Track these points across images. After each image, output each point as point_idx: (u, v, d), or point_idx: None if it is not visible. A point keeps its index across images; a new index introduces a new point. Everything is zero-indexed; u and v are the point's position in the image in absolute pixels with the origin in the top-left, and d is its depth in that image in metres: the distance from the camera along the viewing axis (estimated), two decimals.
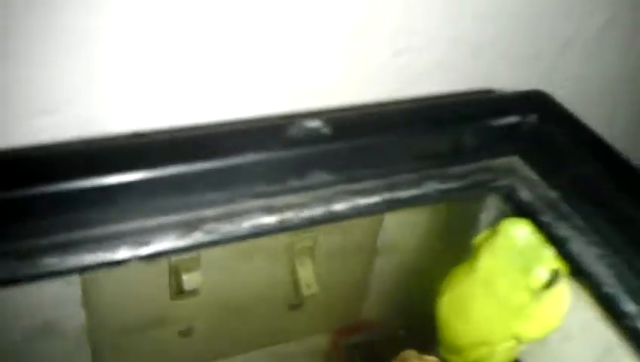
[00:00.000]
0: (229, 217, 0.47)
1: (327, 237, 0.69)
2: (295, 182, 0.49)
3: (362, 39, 0.65)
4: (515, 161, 0.56)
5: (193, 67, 0.57)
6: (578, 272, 0.50)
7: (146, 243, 0.45)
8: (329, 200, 0.50)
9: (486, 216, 0.61)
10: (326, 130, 0.49)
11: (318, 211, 0.49)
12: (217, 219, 0.46)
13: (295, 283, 0.70)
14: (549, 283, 0.53)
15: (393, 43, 0.68)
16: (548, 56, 0.80)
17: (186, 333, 0.69)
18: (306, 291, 0.70)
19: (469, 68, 0.75)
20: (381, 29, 0.66)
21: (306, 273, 0.70)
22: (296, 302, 0.74)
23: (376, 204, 0.51)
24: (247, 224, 0.47)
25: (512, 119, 0.54)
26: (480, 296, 0.57)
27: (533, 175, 0.55)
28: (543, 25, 0.77)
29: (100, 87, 0.53)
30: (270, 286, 0.70)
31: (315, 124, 0.49)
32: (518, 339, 0.57)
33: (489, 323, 0.57)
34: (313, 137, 0.49)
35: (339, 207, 0.50)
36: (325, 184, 0.50)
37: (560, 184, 0.53)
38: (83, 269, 0.43)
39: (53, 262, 0.42)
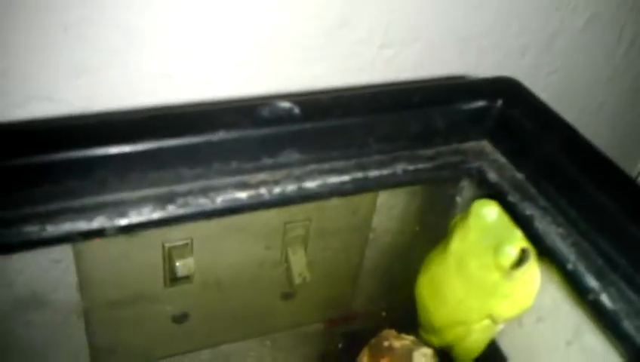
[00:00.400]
0: (203, 192, 0.49)
1: (320, 225, 0.71)
2: (267, 161, 0.51)
3: (348, 32, 0.67)
4: (484, 144, 0.58)
5: (173, 48, 0.59)
6: (543, 251, 0.52)
7: (124, 215, 0.47)
8: (300, 178, 0.52)
9: (464, 198, 0.62)
10: (297, 111, 0.51)
11: (289, 188, 0.51)
12: (192, 193, 0.49)
13: (287, 272, 0.72)
14: (519, 262, 0.54)
15: (380, 36, 0.70)
16: (534, 50, 0.82)
17: (179, 320, 0.71)
18: (298, 279, 0.71)
19: (455, 61, 0.77)
20: (367, 22, 0.68)
21: (299, 261, 0.71)
22: (288, 291, 0.75)
23: (346, 183, 0.52)
24: (220, 199, 0.49)
25: (481, 103, 0.56)
26: (453, 276, 0.58)
27: (501, 158, 0.56)
28: (528, 19, 0.78)
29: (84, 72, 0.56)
30: (263, 275, 0.72)
31: (286, 105, 0.51)
32: (493, 319, 0.58)
33: (463, 303, 0.58)
34: (284, 118, 0.51)
35: (310, 184, 0.51)
36: (297, 163, 0.52)
37: (527, 166, 0.55)
38: (62, 238, 0.45)
39: (32, 230, 0.44)
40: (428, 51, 0.75)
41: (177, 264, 0.64)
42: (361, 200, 0.70)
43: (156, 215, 0.47)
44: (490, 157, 0.56)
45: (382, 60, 0.72)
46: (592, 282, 0.47)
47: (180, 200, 0.48)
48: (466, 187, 0.62)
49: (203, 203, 0.48)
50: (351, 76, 0.72)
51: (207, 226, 0.64)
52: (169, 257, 0.65)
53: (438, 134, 0.56)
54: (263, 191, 0.50)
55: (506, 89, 0.57)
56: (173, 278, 0.66)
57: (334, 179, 0.52)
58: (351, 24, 0.67)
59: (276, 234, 0.69)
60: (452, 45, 0.76)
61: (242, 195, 0.49)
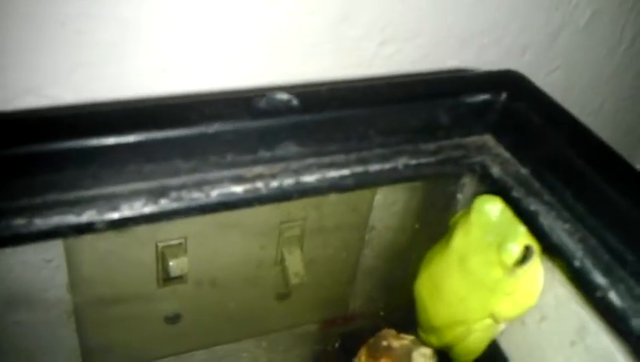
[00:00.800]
0: (197, 185, 0.47)
1: (316, 224, 0.69)
2: (264, 154, 0.49)
3: (347, 28, 0.66)
4: (487, 138, 0.56)
5: (170, 42, 0.58)
6: (549, 247, 0.50)
7: (114, 209, 0.45)
8: (298, 171, 0.50)
9: (465, 194, 0.61)
10: (295, 103, 0.50)
11: (287, 182, 0.49)
12: (186, 187, 0.47)
13: (283, 272, 0.70)
14: (522, 260, 0.53)
15: (379, 33, 0.69)
16: (534, 48, 0.81)
17: (172, 320, 0.69)
18: (294, 279, 0.70)
19: (455, 59, 0.76)
20: (367, 18, 0.67)
21: (294, 262, 0.70)
22: (284, 291, 0.73)
23: (346, 177, 0.51)
24: (215, 193, 0.47)
25: (484, 97, 0.54)
26: (455, 274, 0.57)
27: (505, 152, 0.55)
28: (529, 17, 0.77)
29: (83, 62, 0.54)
30: (258, 275, 0.71)
31: (284, 96, 0.50)
32: (494, 318, 0.57)
33: (464, 302, 0.57)
34: (282, 109, 0.49)
35: (308, 178, 0.50)
36: (295, 156, 0.50)
37: (531, 161, 0.53)
38: (50, 232, 0.43)
39: (20, 223, 0.42)
40: (428, 48, 0.73)
41: (171, 263, 0.63)
42: (359, 197, 0.69)
43: (148, 209, 0.45)
44: (493, 151, 0.55)
45: (381, 57, 0.71)
46: (599, 279, 0.45)
47: (174, 194, 0.46)
48: (468, 183, 0.60)
49: (197, 197, 0.47)
50: (350, 72, 0.71)
51: (202, 225, 0.63)
52: (162, 257, 0.63)
53: (440, 128, 0.54)
54: (259, 185, 0.48)
55: (510, 82, 0.56)
56: (166, 278, 0.65)
57: (334, 173, 0.51)
58: (351, 19, 0.66)
59: (272, 233, 0.68)
60: (452, 43, 0.75)
61: (238, 189, 0.48)
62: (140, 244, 0.62)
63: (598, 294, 0.45)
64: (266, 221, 0.67)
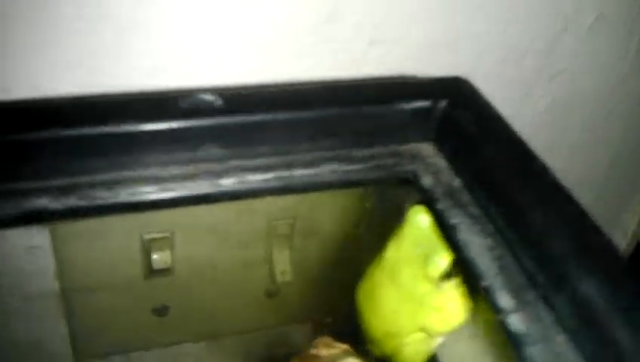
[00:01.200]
0: (107, 185, 0.47)
1: (305, 225, 0.69)
2: (183, 155, 0.49)
3: (335, 28, 0.65)
4: (426, 147, 0.54)
5: (163, 42, 0.58)
6: (462, 262, 0.48)
7: (19, 206, 0.46)
8: (218, 174, 0.50)
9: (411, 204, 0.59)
10: (220, 104, 0.49)
11: (203, 185, 0.49)
12: (95, 185, 0.47)
13: (271, 271, 0.71)
14: (449, 274, 0.51)
15: (368, 34, 0.67)
16: (535, 52, 0.78)
17: (160, 312, 0.70)
18: (280, 278, 0.70)
19: (450, 63, 0.73)
20: (356, 19, 0.65)
21: (282, 260, 0.70)
22: (271, 289, 0.74)
23: (268, 181, 0.50)
24: (124, 192, 0.47)
25: (423, 104, 0.53)
26: (387, 286, 0.55)
27: (442, 161, 0.53)
28: (530, 19, 0.74)
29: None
30: (245, 273, 0.71)
31: (209, 97, 0.49)
32: (426, 332, 0.55)
33: (395, 314, 0.55)
34: (206, 110, 0.49)
35: (227, 182, 0.49)
36: (217, 158, 0.50)
37: (466, 172, 0.51)
38: None
39: None
40: (421, 51, 0.71)
41: (154, 256, 0.63)
42: (354, 200, 0.68)
43: (53, 206, 0.45)
44: (428, 160, 0.53)
45: (370, 58, 0.69)
46: (504, 301, 0.43)
47: (82, 193, 0.46)
48: (413, 192, 0.58)
49: (105, 196, 0.47)
50: (339, 73, 0.69)
51: (190, 220, 0.63)
52: (147, 249, 0.64)
53: (375, 134, 0.53)
54: (172, 186, 0.48)
55: (453, 89, 0.54)
56: (151, 270, 0.65)
57: (256, 177, 0.50)
58: (339, 20, 0.64)
59: (260, 233, 0.68)
60: (446, 46, 0.73)
61: (149, 189, 0.48)
62: (126, 236, 0.62)
63: (500, 317, 0.43)
64: (258, 219, 0.67)
